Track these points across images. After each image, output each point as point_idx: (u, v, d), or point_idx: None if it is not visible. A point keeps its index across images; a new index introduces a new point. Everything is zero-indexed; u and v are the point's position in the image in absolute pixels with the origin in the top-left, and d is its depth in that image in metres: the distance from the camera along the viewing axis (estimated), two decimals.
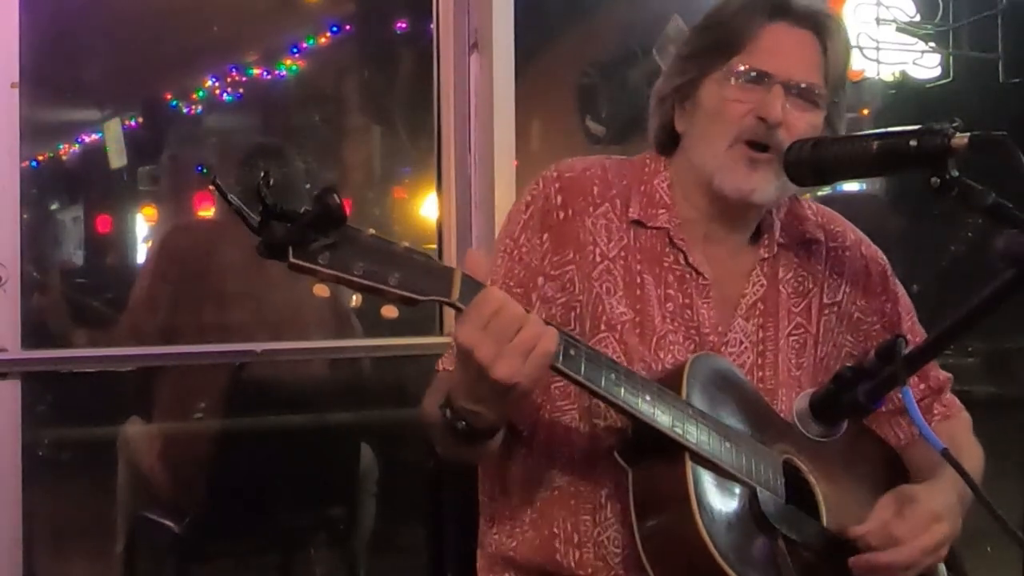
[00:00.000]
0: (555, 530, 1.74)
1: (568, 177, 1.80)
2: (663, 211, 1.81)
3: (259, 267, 3.02)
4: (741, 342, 1.80)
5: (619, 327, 1.73)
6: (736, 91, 1.76)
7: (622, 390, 1.55)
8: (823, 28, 1.79)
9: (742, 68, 1.75)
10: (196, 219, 3.55)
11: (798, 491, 1.70)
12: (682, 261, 1.79)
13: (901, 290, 1.97)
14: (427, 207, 3.34)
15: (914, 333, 1.92)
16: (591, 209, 1.78)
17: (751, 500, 1.63)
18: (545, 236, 1.77)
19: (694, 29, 1.86)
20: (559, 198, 1.78)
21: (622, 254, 1.77)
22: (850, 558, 1.67)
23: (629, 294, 1.76)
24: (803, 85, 1.76)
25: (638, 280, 1.77)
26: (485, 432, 1.58)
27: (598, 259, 1.76)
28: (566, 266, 1.75)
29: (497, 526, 1.82)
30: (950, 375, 1.98)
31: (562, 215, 1.77)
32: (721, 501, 1.59)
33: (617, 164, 1.86)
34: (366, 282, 1.39)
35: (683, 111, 1.83)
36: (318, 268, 1.37)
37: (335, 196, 1.35)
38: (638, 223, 1.79)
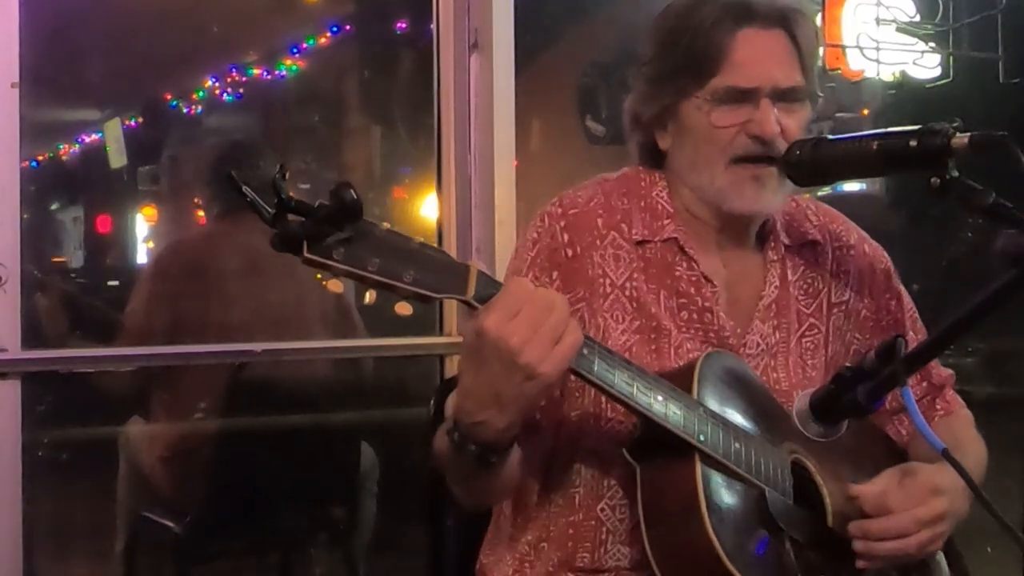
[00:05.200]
0: (551, 568, 1.74)
1: (573, 214, 1.77)
2: (668, 220, 1.79)
3: (257, 273, 3.05)
4: (758, 344, 1.79)
5: (625, 353, 1.69)
6: (723, 115, 1.72)
7: (634, 389, 1.54)
8: (790, 22, 1.75)
9: (723, 88, 1.71)
10: (188, 236, 3.53)
11: (805, 490, 1.70)
12: (695, 268, 1.78)
13: (903, 288, 1.97)
14: (427, 207, 3.34)
15: (917, 331, 1.92)
16: (598, 243, 1.76)
17: (759, 501, 1.62)
18: (555, 274, 1.74)
19: (659, 45, 1.79)
20: (565, 236, 1.75)
21: (633, 276, 1.76)
22: (850, 525, 1.66)
23: (641, 314, 1.74)
24: (788, 89, 1.73)
25: (648, 298, 1.75)
26: (495, 448, 1.54)
27: (608, 290, 1.74)
28: (577, 304, 1.72)
29: (509, 556, 1.81)
30: (952, 372, 1.98)
31: (570, 252, 1.75)
32: (729, 502, 1.59)
33: (616, 184, 1.83)
34: (381, 278, 1.37)
35: (664, 131, 1.80)
36: (332, 263, 1.35)
37: (352, 191, 1.33)
38: (644, 242, 1.77)
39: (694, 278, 1.78)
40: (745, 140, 1.72)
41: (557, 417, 1.74)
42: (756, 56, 1.72)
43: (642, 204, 1.81)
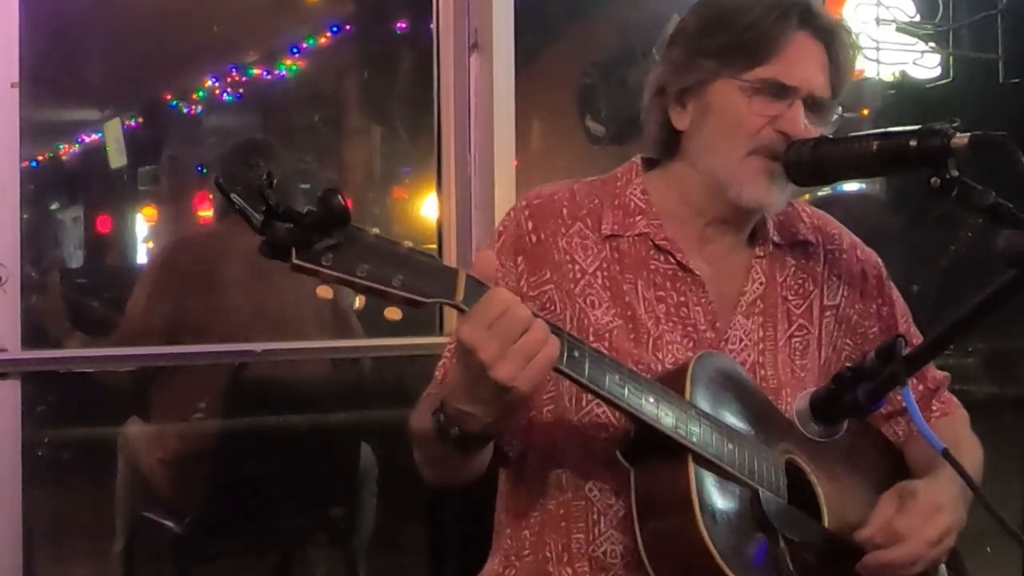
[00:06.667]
0: (548, 553, 1.74)
1: (536, 204, 1.80)
2: (640, 217, 1.80)
3: (258, 273, 3.06)
4: (741, 339, 1.79)
5: (607, 335, 1.72)
6: (759, 103, 1.73)
7: (626, 391, 1.54)
8: (838, 40, 1.79)
9: (768, 80, 1.73)
10: (192, 233, 3.53)
11: (800, 491, 1.70)
12: (671, 261, 1.78)
13: (896, 293, 1.97)
14: (427, 207, 3.35)
15: (910, 336, 1.91)
16: (563, 230, 1.77)
17: (753, 501, 1.62)
18: (519, 259, 1.76)
19: (707, 21, 1.79)
20: (529, 224, 1.78)
21: (603, 266, 1.77)
22: (858, 564, 1.67)
23: (616, 303, 1.75)
24: (822, 100, 1.76)
25: (624, 287, 1.76)
26: (476, 438, 1.56)
27: (578, 275, 1.75)
28: (544, 286, 1.75)
29: (498, 557, 1.81)
30: (947, 374, 1.98)
31: (534, 239, 1.77)
32: (723, 503, 1.59)
33: (586, 186, 1.85)
34: (369, 284, 1.38)
35: (682, 109, 1.79)
36: (321, 269, 1.36)
37: (339, 197, 1.34)
38: (614, 236, 1.79)
39: (670, 272, 1.78)
40: (772, 134, 1.74)
41: (524, 426, 1.75)
42: (804, 59, 1.76)
43: (615, 203, 1.82)
